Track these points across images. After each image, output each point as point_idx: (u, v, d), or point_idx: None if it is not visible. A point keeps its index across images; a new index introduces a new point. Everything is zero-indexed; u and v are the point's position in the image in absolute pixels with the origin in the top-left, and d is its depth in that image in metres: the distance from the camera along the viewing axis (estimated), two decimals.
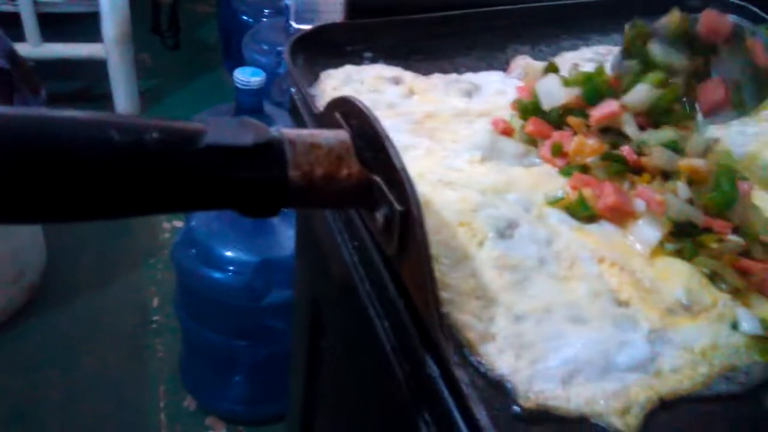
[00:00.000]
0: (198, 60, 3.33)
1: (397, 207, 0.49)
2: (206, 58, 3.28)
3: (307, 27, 0.81)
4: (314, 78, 0.79)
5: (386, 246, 0.52)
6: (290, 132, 0.50)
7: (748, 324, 0.55)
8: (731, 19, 0.72)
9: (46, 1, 2.79)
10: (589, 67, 0.87)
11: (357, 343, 0.68)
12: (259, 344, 1.57)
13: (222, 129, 0.47)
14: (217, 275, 1.52)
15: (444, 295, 0.54)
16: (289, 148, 0.49)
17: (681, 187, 0.61)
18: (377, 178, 0.51)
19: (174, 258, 1.59)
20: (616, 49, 0.92)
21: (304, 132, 0.51)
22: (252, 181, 0.48)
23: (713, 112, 0.71)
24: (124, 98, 3.00)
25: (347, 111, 0.55)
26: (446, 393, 0.46)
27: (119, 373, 1.83)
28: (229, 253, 1.52)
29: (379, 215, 0.51)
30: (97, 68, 2.92)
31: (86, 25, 2.93)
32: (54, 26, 2.94)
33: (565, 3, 0.94)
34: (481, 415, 0.43)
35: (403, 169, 0.49)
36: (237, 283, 1.51)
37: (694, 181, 0.62)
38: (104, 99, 3.01)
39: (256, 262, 1.47)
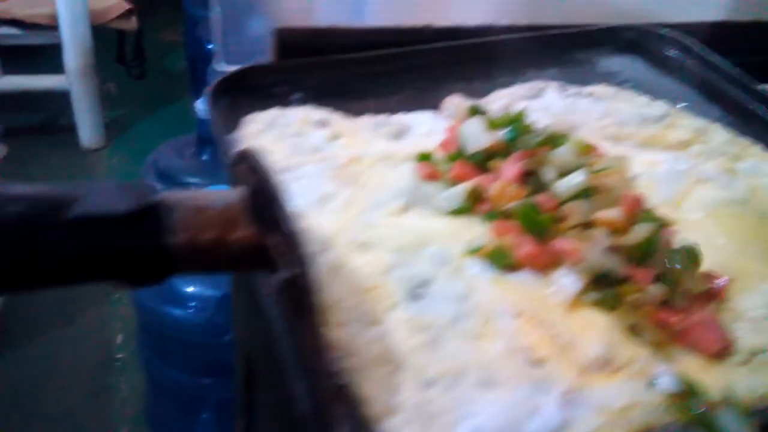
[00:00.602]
0: (164, 89, 3.30)
1: (288, 272, 0.46)
2: (173, 87, 3.25)
3: (232, 68, 0.78)
4: (236, 122, 0.76)
5: (285, 310, 0.50)
6: (173, 195, 0.47)
7: (667, 381, 0.53)
8: None
9: (6, 34, 2.76)
10: (522, 105, 0.86)
11: (279, 403, 0.65)
12: (226, 381, 1.52)
13: (98, 196, 0.45)
14: (178, 312, 1.49)
15: (349, 363, 0.52)
16: (169, 213, 0.46)
17: (599, 235, 0.59)
18: (272, 240, 0.48)
19: (133, 295, 1.56)
20: (550, 84, 0.91)
21: (190, 194, 0.48)
22: (128, 251, 0.45)
23: None
24: (88, 130, 2.96)
25: (251, 166, 0.53)
26: None
27: (82, 414, 1.78)
28: (189, 289, 1.49)
29: (275, 280, 0.48)
30: (60, 100, 2.89)
31: (48, 57, 2.90)
32: (15, 58, 2.91)
33: (500, 39, 0.93)
34: None
35: (293, 233, 0.46)
36: (199, 320, 1.47)
37: (614, 229, 0.60)
38: (68, 131, 2.97)
39: (218, 296, 1.44)
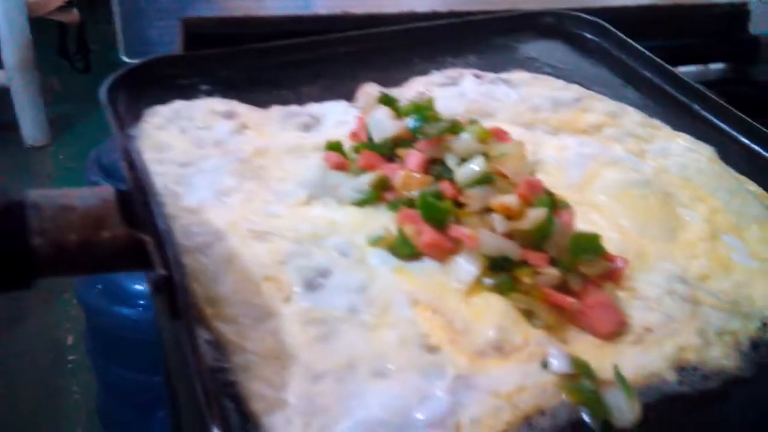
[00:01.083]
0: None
1: (160, 271, 0.45)
2: None
3: (135, 61, 0.76)
4: (139, 116, 0.74)
5: (163, 311, 0.48)
6: (37, 194, 0.46)
7: (558, 363, 0.53)
8: None
9: None
10: (439, 92, 0.86)
11: (188, 403, 0.64)
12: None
13: None
14: (126, 311, 1.44)
15: (237, 360, 0.51)
16: (33, 213, 0.44)
17: (497, 221, 0.60)
18: (147, 238, 0.47)
19: (79, 296, 1.51)
20: (467, 72, 0.91)
21: (56, 193, 0.46)
22: None
23: None
24: (31, 126, 2.86)
25: (129, 161, 0.51)
26: None
27: (33, 418, 1.73)
28: (137, 287, 1.45)
29: (150, 278, 0.47)
30: (0, 96, 2.78)
31: None
32: None
33: (418, 26, 0.93)
34: None
35: (165, 231, 0.45)
36: (147, 318, 1.43)
37: (510, 215, 0.60)
38: (10, 128, 2.86)
39: None
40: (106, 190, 0.48)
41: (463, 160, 0.65)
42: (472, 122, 0.73)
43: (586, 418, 0.51)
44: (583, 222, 0.67)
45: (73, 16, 2.95)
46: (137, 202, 0.49)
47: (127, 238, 0.47)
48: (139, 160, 0.48)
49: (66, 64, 3.19)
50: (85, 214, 0.46)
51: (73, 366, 1.95)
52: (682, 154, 0.81)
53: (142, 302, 1.45)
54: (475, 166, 0.63)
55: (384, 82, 0.86)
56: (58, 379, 1.90)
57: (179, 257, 0.44)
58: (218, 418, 0.43)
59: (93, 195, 0.47)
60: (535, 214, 0.59)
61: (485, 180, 0.62)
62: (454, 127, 0.68)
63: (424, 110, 0.71)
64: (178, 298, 0.44)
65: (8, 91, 2.80)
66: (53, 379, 1.89)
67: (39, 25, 2.81)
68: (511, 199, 0.60)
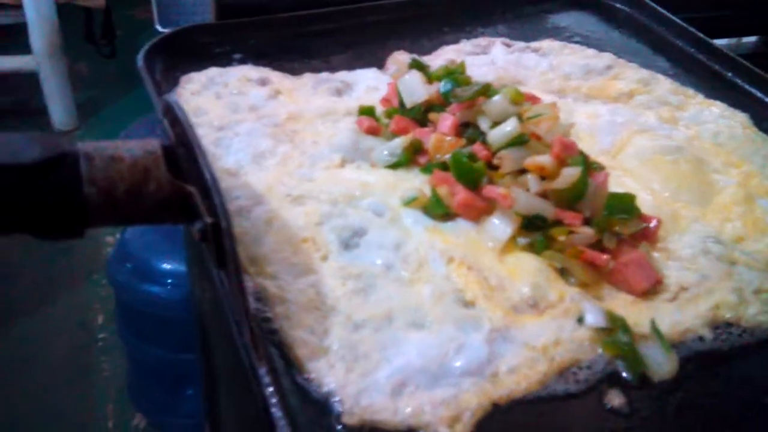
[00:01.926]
0: (137, 68, 3.24)
1: (207, 219, 0.46)
2: None
3: (170, 30, 0.77)
4: (175, 83, 0.75)
5: (210, 259, 0.50)
6: (88, 145, 0.47)
7: (593, 317, 0.54)
8: None
9: None
10: (469, 60, 0.86)
11: (229, 358, 0.66)
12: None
13: (2, 146, 0.44)
14: (155, 289, 1.47)
15: (279, 309, 0.52)
16: (84, 162, 0.46)
17: (531, 181, 0.60)
18: (192, 189, 0.48)
19: (109, 274, 1.54)
20: (497, 40, 0.91)
21: (106, 144, 0.48)
22: (41, 200, 0.45)
23: None
24: (60, 111, 2.91)
25: (172, 118, 0.53)
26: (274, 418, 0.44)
27: (64, 396, 1.77)
28: (166, 265, 1.47)
29: (195, 228, 0.48)
30: (29, 81, 2.82)
31: (14, 37, 2.82)
32: None
33: None
34: None
35: (212, 179, 0.46)
36: (176, 296, 1.46)
37: (544, 175, 0.60)
38: (39, 113, 2.91)
39: None
40: (152, 143, 0.49)
41: (496, 123, 0.66)
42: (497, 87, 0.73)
43: (622, 370, 0.51)
44: (616, 186, 0.67)
45: (99, 1, 2.98)
46: (181, 156, 0.50)
47: (172, 189, 0.49)
48: (182, 114, 0.49)
49: (92, 50, 3.23)
50: (133, 165, 0.48)
51: (103, 345, 1.98)
52: (715, 121, 0.80)
53: (171, 281, 1.48)
54: (508, 126, 0.63)
55: (414, 51, 0.86)
56: (88, 358, 1.94)
57: (225, 206, 0.45)
58: (266, 360, 0.44)
59: (140, 147, 0.49)
60: (570, 173, 0.59)
61: (519, 141, 0.62)
62: (487, 90, 0.68)
63: (455, 74, 0.71)
64: (225, 244, 0.45)
65: (37, 77, 2.85)
66: (84, 358, 1.93)
67: (66, 11, 2.84)
68: (545, 159, 0.60)
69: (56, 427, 1.68)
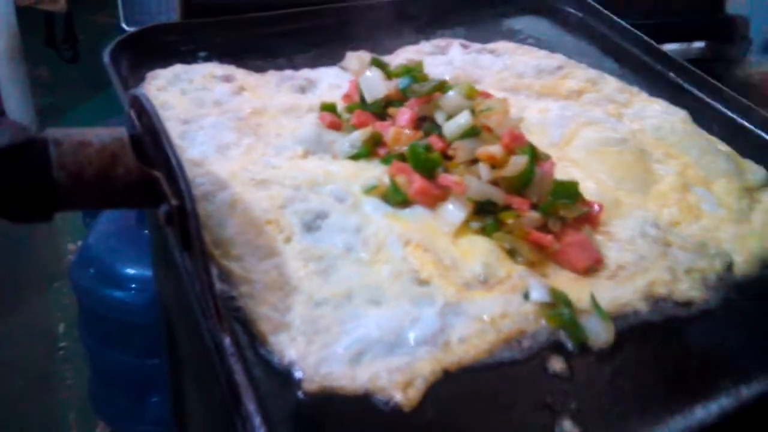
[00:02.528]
0: (99, 73, 3.20)
1: (173, 201, 0.49)
2: (108, 71, 3.17)
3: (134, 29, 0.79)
4: (141, 79, 0.77)
5: (175, 242, 0.52)
6: (57, 131, 0.49)
7: (538, 293, 0.58)
8: None
9: None
10: (428, 60, 0.90)
11: (194, 345, 0.68)
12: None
13: None
14: (119, 294, 1.45)
15: (244, 289, 0.55)
16: (53, 147, 0.48)
17: (482, 169, 0.64)
18: (158, 174, 0.51)
19: (72, 279, 1.52)
20: (455, 42, 0.95)
21: (74, 130, 0.50)
22: (10, 184, 0.46)
23: None
24: (19, 117, 2.85)
25: (139, 109, 0.55)
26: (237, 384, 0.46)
27: (26, 405, 1.73)
28: (129, 270, 1.46)
29: (161, 211, 0.51)
30: None
31: None
32: None
33: None
34: (251, 408, 0.43)
35: (177, 163, 0.49)
36: (141, 301, 1.45)
37: (495, 164, 0.65)
38: None
39: None
40: (119, 131, 0.52)
41: (450, 116, 0.69)
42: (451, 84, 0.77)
43: (564, 340, 0.55)
44: (563, 175, 0.71)
45: (60, 5, 2.94)
46: (148, 144, 0.52)
47: (139, 174, 0.51)
48: (149, 104, 0.52)
49: (54, 54, 3.18)
50: (101, 150, 0.50)
51: (65, 353, 1.95)
52: (658, 117, 0.85)
53: (134, 285, 1.47)
54: (462, 119, 0.67)
55: (375, 51, 0.90)
56: (50, 366, 1.90)
57: (191, 188, 0.47)
58: (229, 332, 0.47)
59: (107, 134, 0.51)
60: (518, 162, 0.64)
61: (472, 132, 0.66)
62: (442, 86, 0.72)
63: (414, 71, 0.75)
64: (190, 226, 0.47)
65: None
66: (45, 367, 1.90)
67: (26, 15, 2.80)
68: (495, 149, 0.64)
69: None
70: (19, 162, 0.47)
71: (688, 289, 0.62)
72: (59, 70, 3.22)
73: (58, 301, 2.09)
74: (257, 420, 0.43)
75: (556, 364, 0.53)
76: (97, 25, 3.59)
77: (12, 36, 2.72)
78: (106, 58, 0.74)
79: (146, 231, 1.43)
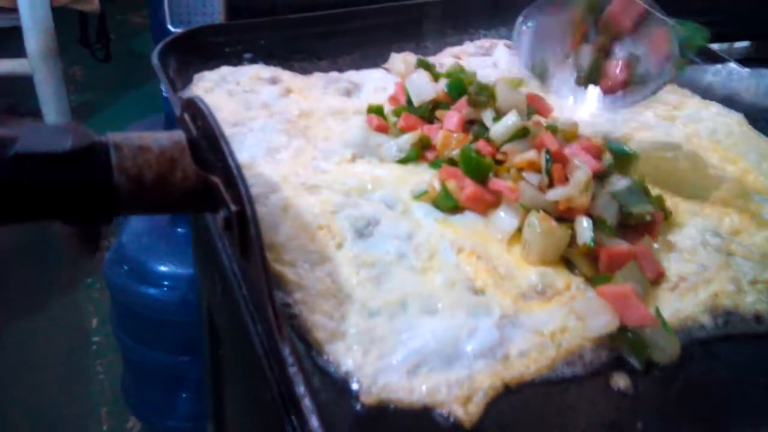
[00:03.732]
0: (132, 72, 3.25)
1: (232, 207, 0.48)
2: (140, 69, 3.20)
3: (181, 30, 0.79)
4: (188, 81, 0.77)
5: (232, 248, 0.52)
6: (117, 135, 0.49)
7: (596, 321, 0.55)
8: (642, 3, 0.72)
9: None
10: (472, 62, 0.89)
11: (241, 349, 0.67)
12: (203, 356, 1.52)
13: (36, 136, 0.46)
14: (152, 291, 1.47)
15: (298, 296, 0.54)
16: (114, 152, 0.48)
17: (529, 176, 0.62)
18: (216, 179, 0.50)
19: (106, 276, 1.54)
20: (499, 42, 0.94)
21: (134, 134, 0.50)
22: (73, 188, 0.46)
23: (612, 91, 0.72)
24: (54, 114, 2.90)
25: (194, 112, 0.54)
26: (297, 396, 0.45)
27: (59, 399, 1.76)
28: (162, 268, 1.47)
29: (220, 217, 0.50)
30: (24, 84, 2.82)
31: (9, 40, 2.82)
32: None
33: None
34: (313, 421, 0.42)
35: (237, 168, 0.48)
36: (173, 298, 1.46)
37: (536, 169, 0.63)
38: (34, 116, 2.91)
39: (191, 274, 1.43)
40: (178, 134, 0.51)
41: (499, 118, 0.68)
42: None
43: (627, 355, 0.54)
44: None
45: (94, 5, 2.99)
46: (204, 148, 0.51)
47: (198, 179, 0.50)
48: (205, 107, 0.51)
49: (87, 54, 3.23)
50: (160, 154, 0.49)
51: (98, 348, 1.98)
52: (712, 119, 0.83)
53: (167, 283, 1.48)
54: (509, 120, 0.65)
55: (418, 52, 0.89)
56: (83, 361, 1.93)
57: (251, 194, 0.47)
58: (288, 340, 0.46)
59: (166, 138, 0.51)
60: (579, 178, 0.61)
61: (521, 134, 0.65)
62: (490, 88, 0.70)
63: (461, 73, 0.73)
64: (250, 231, 0.47)
65: (32, 80, 2.85)
66: (78, 361, 1.92)
67: (61, 15, 2.85)
68: (531, 155, 0.62)
69: (51, 431, 1.68)
70: (81, 166, 0.46)
71: (754, 301, 0.59)
72: (92, 69, 3.27)
73: (91, 296, 2.12)
74: None
75: (620, 381, 0.51)
76: (129, 24, 3.64)
77: (48, 35, 2.77)
78: (155, 59, 0.74)
79: (180, 229, 1.44)
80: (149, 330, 1.54)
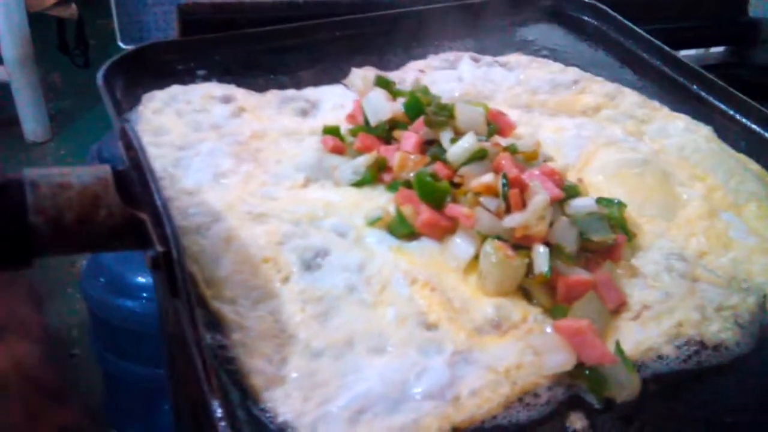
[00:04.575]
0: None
1: (159, 248, 0.45)
2: None
3: (132, 47, 0.76)
4: (137, 101, 0.74)
5: (162, 288, 0.49)
6: (34, 172, 0.46)
7: (555, 360, 0.53)
8: None
9: None
10: (436, 76, 0.86)
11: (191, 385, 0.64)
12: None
13: None
14: (130, 303, 1.44)
15: (237, 337, 0.51)
16: (30, 190, 0.45)
17: (486, 201, 0.59)
18: (144, 216, 0.47)
19: (82, 289, 1.51)
20: (465, 55, 0.91)
21: (54, 171, 0.47)
22: None
23: None
24: (32, 122, 2.86)
25: (127, 142, 0.51)
26: None
27: None
28: (140, 279, 1.44)
29: (148, 256, 0.47)
30: (1, 92, 2.77)
31: None
32: None
33: (415, 9, 0.92)
34: None
35: (163, 206, 0.45)
36: (152, 310, 1.42)
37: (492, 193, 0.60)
38: (11, 124, 2.86)
39: None
40: (102, 169, 0.48)
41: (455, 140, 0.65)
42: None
43: (584, 392, 0.51)
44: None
45: (72, 11, 2.94)
46: (134, 181, 0.49)
47: (124, 216, 0.47)
48: (136, 139, 0.48)
49: (66, 60, 3.19)
50: (82, 191, 0.46)
51: (77, 360, 1.94)
52: (680, 135, 0.80)
53: (145, 294, 1.45)
54: (466, 143, 0.62)
55: (382, 66, 0.86)
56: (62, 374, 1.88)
57: (177, 234, 0.44)
58: (219, 392, 0.43)
59: (90, 173, 0.48)
60: (537, 202, 0.58)
61: (478, 156, 0.62)
62: (449, 108, 0.67)
63: (420, 92, 0.71)
64: (176, 274, 0.44)
65: (9, 87, 2.80)
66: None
67: (38, 21, 2.80)
68: (488, 178, 0.60)
69: None
70: None
71: (718, 330, 0.57)
72: (71, 75, 3.22)
73: (70, 306, 2.08)
74: None
75: (577, 422, 0.49)
76: (107, 30, 3.58)
77: (25, 42, 2.73)
78: (99, 80, 0.70)
79: None
80: (128, 343, 1.51)
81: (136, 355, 1.52)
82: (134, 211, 0.47)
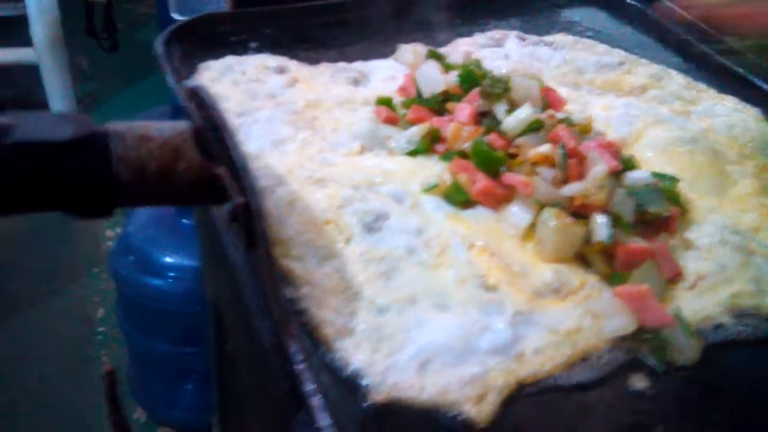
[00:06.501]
0: (138, 62, 3.23)
1: (237, 199, 0.46)
2: (146, 59, 3.18)
3: (185, 18, 0.77)
4: (192, 70, 0.75)
5: (239, 241, 0.50)
6: (119, 125, 0.47)
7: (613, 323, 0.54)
8: None
9: None
10: (483, 53, 0.87)
11: (248, 344, 0.66)
12: (208, 350, 1.51)
13: (35, 124, 0.44)
14: (157, 282, 1.47)
15: (306, 291, 0.52)
16: (114, 141, 0.46)
17: (543, 171, 0.60)
18: (221, 171, 0.49)
19: (111, 267, 1.53)
20: (511, 34, 0.91)
21: (136, 124, 0.48)
22: (71, 178, 0.45)
23: None
24: (60, 104, 2.90)
25: (198, 102, 0.53)
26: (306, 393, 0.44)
27: (64, 389, 1.76)
28: (168, 259, 1.47)
29: (225, 209, 0.48)
30: (30, 74, 2.81)
31: (15, 30, 2.81)
32: None
33: None
34: (323, 419, 0.41)
35: (242, 160, 0.46)
36: (178, 289, 1.46)
37: (550, 164, 0.61)
38: (40, 106, 2.90)
39: (197, 266, 1.42)
40: (181, 124, 0.50)
41: (512, 111, 0.66)
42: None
43: (645, 355, 0.52)
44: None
45: None
46: (210, 137, 0.50)
47: (202, 170, 0.49)
48: (209, 98, 0.50)
49: (93, 43, 3.22)
50: (163, 144, 0.48)
51: (103, 338, 1.98)
52: (728, 115, 0.80)
53: (173, 274, 1.47)
54: (523, 113, 0.63)
55: (428, 43, 0.86)
56: (88, 351, 1.93)
57: (255, 186, 0.45)
58: (296, 338, 0.44)
59: (170, 128, 0.49)
60: (597, 173, 0.59)
61: (535, 127, 0.63)
62: (503, 80, 0.68)
63: (473, 65, 0.71)
64: (255, 225, 0.45)
65: (38, 69, 2.84)
66: (84, 351, 1.92)
67: (67, 4, 2.83)
68: (545, 149, 0.60)
69: (56, 420, 1.68)
70: (80, 155, 0.45)
71: None
72: (99, 59, 3.25)
73: (97, 286, 2.12)
74: None
75: (639, 382, 0.50)
76: (135, 14, 3.62)
77: (53, 24, 2.76)
78: (159, 48, 0.72)
79: (185, 220, 1.43)
80: (154, 321, 1.54)
81: (162, 334, 1.55)
82: (212, 165, 0.49)
